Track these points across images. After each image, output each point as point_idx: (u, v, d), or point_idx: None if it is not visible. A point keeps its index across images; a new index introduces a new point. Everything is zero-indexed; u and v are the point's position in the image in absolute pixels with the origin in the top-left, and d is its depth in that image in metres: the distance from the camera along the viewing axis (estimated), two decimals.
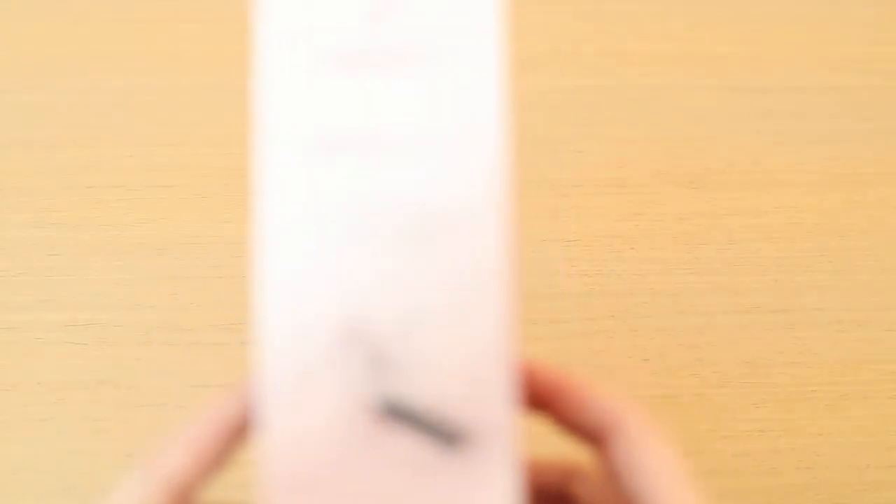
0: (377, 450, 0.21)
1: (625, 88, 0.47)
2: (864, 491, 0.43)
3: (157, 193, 0.45)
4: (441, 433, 0.21)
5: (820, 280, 0.45)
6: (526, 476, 0.24)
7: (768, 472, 0.43)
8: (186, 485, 0.21)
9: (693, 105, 0.48)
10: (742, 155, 0.47)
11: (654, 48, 0.49)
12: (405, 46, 0.22)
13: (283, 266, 0.22)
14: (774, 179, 0.46)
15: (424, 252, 0.22)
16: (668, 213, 0.45)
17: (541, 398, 0.24)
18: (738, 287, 0.45)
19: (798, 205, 0.46)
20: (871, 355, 0.45)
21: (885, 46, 0.50)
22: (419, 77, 0.22)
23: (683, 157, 0.46)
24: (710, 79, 0.48)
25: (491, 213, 0.22)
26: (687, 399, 0.43)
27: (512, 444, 0.22)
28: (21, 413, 0.41)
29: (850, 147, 0.47)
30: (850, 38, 0.50)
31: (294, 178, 0.22)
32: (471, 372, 0.22)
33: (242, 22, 0.48)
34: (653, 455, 0.23)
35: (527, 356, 0.23)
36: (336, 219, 0.22)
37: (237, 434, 0.22)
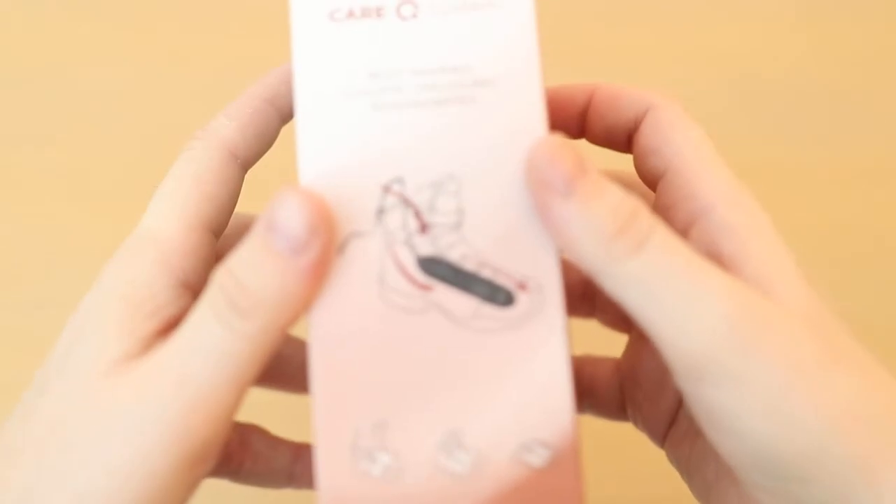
0: (426, 310, 0.22)
1: None
2: None
3: None
4: (488, 291, 0.22)
5: (820, 280, 0.45)
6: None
7: None
8: (239, 150, 0.24)
9: (693, 105, 0.48)
10: (742, 155, 0.47)
11: (655, 48, 0.49)
12: None
13: (323, 132, 0.22)
14: (774, 179, 0.46)
15: (460, 114, 0.22)
16: None
17: (574, 119, 0.25)
18: None
19: (798, 205, 0.46)
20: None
21: (885, 46, 0.50)
22: None
23: None
24: (710, 78, 0.48)
25: (522, 76, 0.23)
26: None
27: (560, 300, 0.22)
28: None
29: (849, 147, 0.47)
30: (849, 37, 0.50)
31: (326, 43, 0.23)
32: (514, 229, 0.22)
33: (243, 22, 0.49)
34: (681, 131, 0.24)
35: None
36: (369, 83, 0.22)
37: (279, 108, 0.25)
